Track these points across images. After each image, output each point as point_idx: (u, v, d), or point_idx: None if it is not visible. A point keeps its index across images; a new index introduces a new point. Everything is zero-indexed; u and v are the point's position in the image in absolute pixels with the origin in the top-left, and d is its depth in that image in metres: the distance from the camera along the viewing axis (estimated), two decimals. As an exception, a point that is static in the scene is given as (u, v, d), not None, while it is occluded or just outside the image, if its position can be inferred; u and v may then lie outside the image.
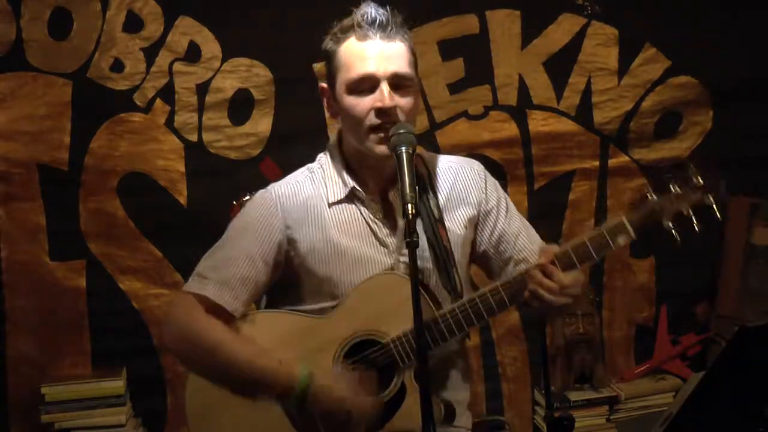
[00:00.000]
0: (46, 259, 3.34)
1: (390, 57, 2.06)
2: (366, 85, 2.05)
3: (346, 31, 2.09)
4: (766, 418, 2.16)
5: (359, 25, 2.06)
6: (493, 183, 2.26)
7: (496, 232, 2.22)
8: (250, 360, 2.05)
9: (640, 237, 1.95)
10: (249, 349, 2.07)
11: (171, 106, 3.36)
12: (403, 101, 2.06)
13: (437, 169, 2.24)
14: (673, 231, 1.94)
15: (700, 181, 1.92)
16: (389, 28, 2.06)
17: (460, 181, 2.23)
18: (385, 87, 2.04)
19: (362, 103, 2.06)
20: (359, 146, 2.11)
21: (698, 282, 3.70)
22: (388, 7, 2.09)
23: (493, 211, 2.23)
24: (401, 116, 2.05)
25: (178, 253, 3.36)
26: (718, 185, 1.93)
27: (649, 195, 1.95)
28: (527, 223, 2.28)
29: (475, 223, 2.22)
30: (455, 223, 2.19)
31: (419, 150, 2.09)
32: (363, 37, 2.06)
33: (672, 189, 1.93)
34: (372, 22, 2.06)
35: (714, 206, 1.93)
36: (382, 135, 2.04)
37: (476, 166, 2.28)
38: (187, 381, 2.17)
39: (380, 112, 2.04)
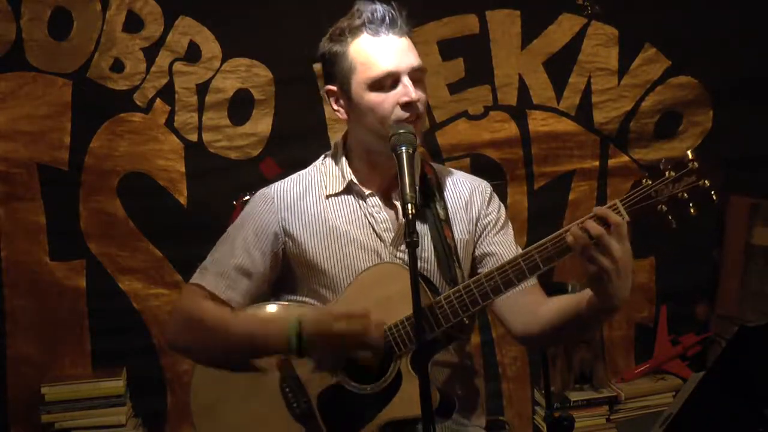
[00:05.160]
0: (46, 259, 3.34)
1: (406, 52, 2.09)
2: (389, 81, 2.07)
3: (355, 31, 2.10)
4: (766, 418, 2.16)
5: (370, 22, 2.08)
6: (497, 203, 2.30)
7: (485, 243, 2.24)
8: (242, 321, 2.10)
9: (635, 221, 1.93)
10: (241, 315, 2.12)
11: (171, 106, 3.36)
12: (422, 94, 2.10)
13: (446, 179, 2.28)
14: (668, 215, 1.93)
15: (696, 164, 1.91)
16: (399, 24, 2.09)
17: (466, 193, 2.26)
18: (408, 81, 2.07)
19: (387, 99, 2.07)
20: (378, 144, 2.10)
21: (698, 282, 3.70)
22: (392, 4, 2.12)
23: (489, 226, 2.25)
24: (420, 108, 2.08)
25: (178, 253, 3.36)
26: (715, 169, 1.92)
27: (644, 179, 1.94)
28: (520, 251, 2.26)
29: (474, 234, 2.25)
30: (459, 227, 2.22)
31: (425, 154, 2.09)
32: (375, 34, 2.08)
33: (667, 173, 1.92)
34: (382, 20, 2.08)
35: (711, 189, 1.90)
36: None
37: (484, 184, 2.31)
38: (192, 377, 2.20)
39: (406, 105, 2.06)
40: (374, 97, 2.08)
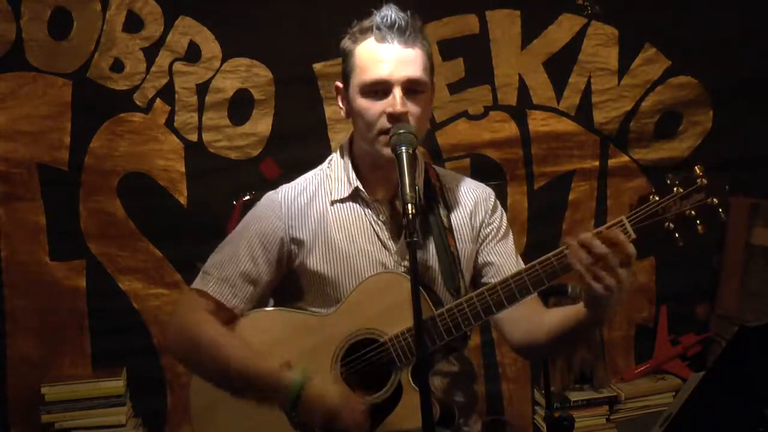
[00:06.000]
0: (46, 259, 3.33)
1: (406, 62, 2.06)
2: (379, 88, 2.05)
3: (365, 32, 2.08)
4: (766, 418, 2.15)
5: (378, 28, 2.06)
6: (499, 211, 2.28)
7: (485, 252, 2.24)
8: (246, 363, 2.06)
9: (641, 237, 1.93)
10: (246, 351, 2.08)
11: (171, 106, 3.35)
12: (415, 107, 2.06)
13: (450, 184, 2.26)
14: (675, 233, 1.92)
15: (704, 181, 1.90)
16: (408, 33, 2.06)
17: (470, 200, 2.25)
18: (397, 92, 2.04)
19: (374, 107, 2.05)
20: (368, 148, 2.11)
21: (698, 282, 3.70)
22: (408, 12, 2.09)
23: (491, 233, 2.24)
24: (411, 122, 2.05)
25: (178, 253, 3.37)
26: (723, 186, 1.91)
27: (651, 195, 1.93)
28: (521, 261, 2.26)
29: (476, 242, 2.24)
30: (462, 236, 2.21)
31: (427, 156, 2.07)
32: (381, 40, 2.06)
33: (675, 189, 1.92)
34: (391, 26, 2.05)
35: (719, 207, 1.90)
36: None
37: (488, 192, 2.30)
38: (191, 380, 2.18)
39: (391, 117, 2.04)
40: (364, 103, 2.07)
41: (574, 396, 3.52)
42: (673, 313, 3.67)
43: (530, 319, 2.14)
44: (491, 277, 2.21)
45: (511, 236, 2.29)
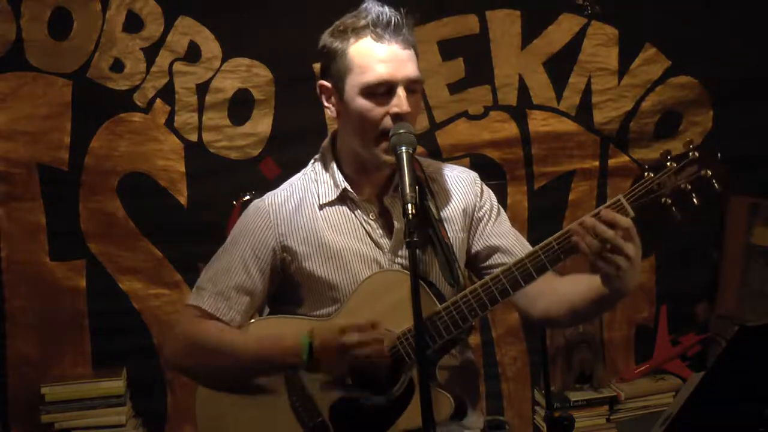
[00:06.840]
0: (46, 259, 3.34)
1: (406, 62, 2.04)
2: (382, 89, 2.03)
3: (359, 31, 2.05)
4: (766, 419, 2.15)
5: (374, 26, 2.03)
6: (488, 191, 2.28)
7: (485, 236, 2.23)
8: (249, 341, 2.08)
9: (640, 215, 1.93)
10: (246, 334, 2.10)
11: (171, 106, 3.35)
12: (414, 106, 2.06)
13: (434, 174, 2.25)
14: (672, 207, 1.92)
15: (696, 154, 1.91)
16: (404, 32, 2.05)
17: (456, 186, 2.24)
18: (401, 92, 2.03)
19: (377, 108, 2.03)
20: (362, 150, 2.10)
21: (698, 282, 3.70)
22: (402, 9, 2.07)
23: (485, 216, 2.24)
24: (410, 119, 2.04)
25: (178, 253, 3.37)
26: (715, 156, 1.92)
27: (646, 173, 1.94)
28: (519, 235, 2.27)
29: (469, 228, 2.24)
30: (453, 225, 2.20)
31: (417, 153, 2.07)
32: (379, 39, 2.03)
33: (669, 164, 1.92)
34: (387, 24, 2.03)
35: (713, 178, 1.90)
36: None
37: (473, 174, 2.29)
38: (196, 392, 2.17)
39: (396, 116, 2.02)
40: (365, 104, 2.04)
41: (574, 396, 3.52)
42: (673, 313, 3.67)
43: (548, 294, 2.13)
44: (499, 259, 2.20)
45: (504, 213, 2.28)
